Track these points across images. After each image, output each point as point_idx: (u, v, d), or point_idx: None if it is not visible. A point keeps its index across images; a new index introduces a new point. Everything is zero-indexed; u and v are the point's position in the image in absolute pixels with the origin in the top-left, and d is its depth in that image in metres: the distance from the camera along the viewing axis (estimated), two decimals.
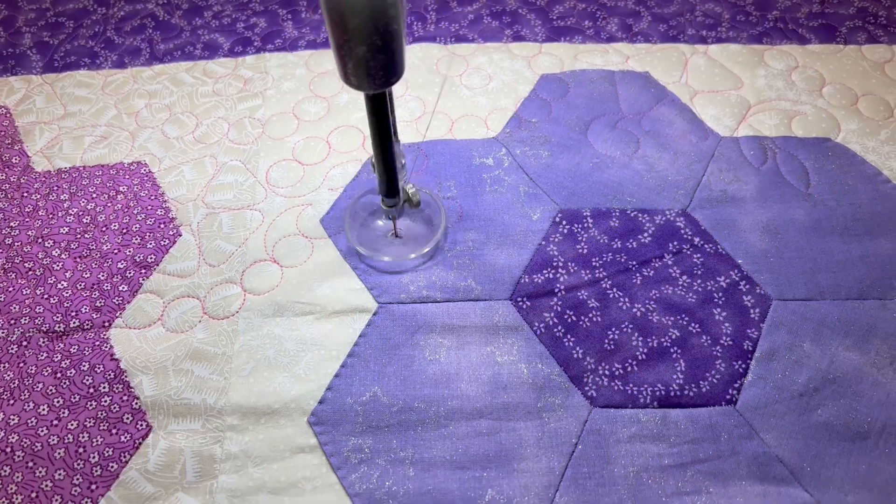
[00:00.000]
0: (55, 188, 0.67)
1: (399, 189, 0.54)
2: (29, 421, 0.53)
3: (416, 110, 0.72)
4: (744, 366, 0.55)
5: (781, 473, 0.50)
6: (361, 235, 0.61)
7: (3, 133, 0.71)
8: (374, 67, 0.40)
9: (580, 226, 0.63)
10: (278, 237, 0.62)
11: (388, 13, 0.37)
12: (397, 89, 0.74)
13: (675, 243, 0.61)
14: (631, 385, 0.54)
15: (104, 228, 0.64)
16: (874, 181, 0.66)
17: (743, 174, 0.66)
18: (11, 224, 0.64)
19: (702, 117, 0.71)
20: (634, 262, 0.60)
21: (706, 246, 0.61)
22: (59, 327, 0.58)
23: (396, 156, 0.51)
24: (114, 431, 0.53)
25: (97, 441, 0.52)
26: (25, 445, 0.52)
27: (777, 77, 0.74)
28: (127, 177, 0.68)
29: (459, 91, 0.74)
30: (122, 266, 0.61)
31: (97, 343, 0.57)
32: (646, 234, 0.62)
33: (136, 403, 0.54)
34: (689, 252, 0.61)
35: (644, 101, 0.72)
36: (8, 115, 0.73)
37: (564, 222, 0.63)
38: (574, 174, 0.66)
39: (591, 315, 0.57)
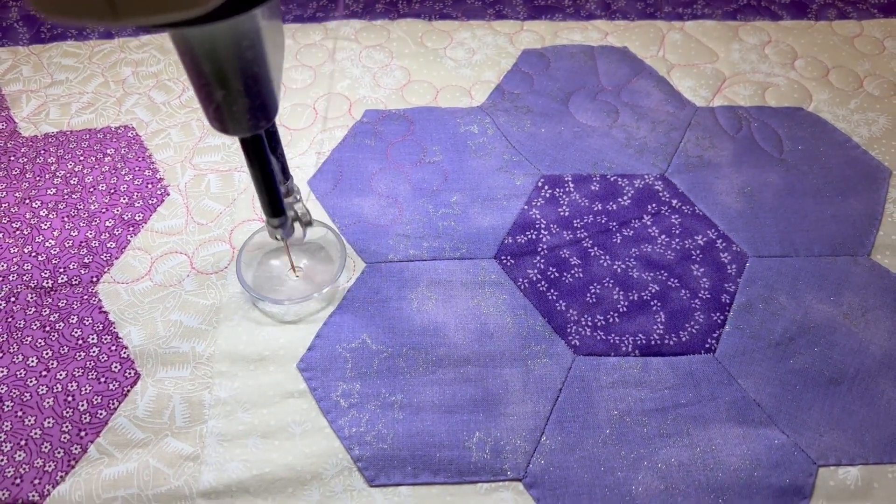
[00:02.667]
0: (42, 152, 0.67)
1: (283, 208, 0.48)
2: (18, 373, 0.54)
3: (402, 79, 0.74)
4: (722, 317, 0.57)
5: (759, 417, 0.52)
6: (256, 275, 0.57)
7: None
8: (237, 112, 0.37)
9: (562, 190, 0.64)
10: None
11: (245, 56, 0.34)
12: (381, 58, 0.76)
13: (654, 205, 0.63)
14: (613, 335, 0.55)
15: (91, 189, 0.64)
16: (845, 147, 0.68)
17: (719, 141, 0.68)
18: None
19: (679, 89, 0.73)
20: (615, 223, 0.62)
21: (684, 207, 0.63)
22: (47, 283, 0.58)
23: (287, 196, 0.48)
24: (102, 380, 0.53)
25: (86, 390, 0.53)
26: (14, 396, 0.52)
27: (751, 51, 0.77)
28: (114, 140, 0.68)
29: (444, 62, 0.75)
30: (109, 224, 0.62)
31: (85, 297, 0.57)
32: (625, 197, 0.64)
33: (125, 353, 0.54)
34: (667, 213, 0.63)
35: (623, 74, 0.74)
36: None
37: (546, 187, 0.64)
38: (556, 142, 0.68)
39: (573, 271, 0.59)
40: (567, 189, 0.64)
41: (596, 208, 0.63)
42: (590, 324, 0.56)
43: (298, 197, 0.50)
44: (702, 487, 0.49)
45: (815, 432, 0.51)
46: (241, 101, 0.36)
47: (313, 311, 0.56)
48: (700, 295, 0.58)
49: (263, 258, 0.58)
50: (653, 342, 0.55)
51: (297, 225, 0.51)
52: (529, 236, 0.61)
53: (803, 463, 0.50)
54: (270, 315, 0.55)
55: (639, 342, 0.55)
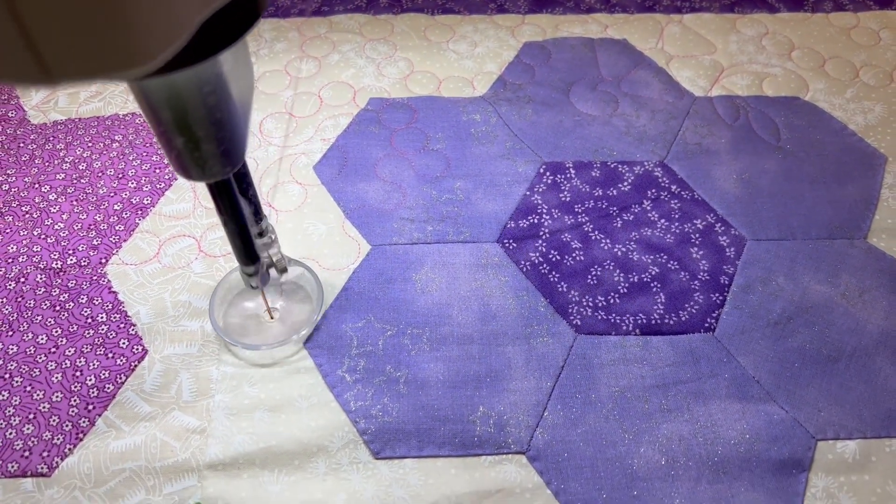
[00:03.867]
0: (51, 138, 0.68)
1: (257, 255, 0.46)
2: (27, 350, 0.54)
3: (405, 69, 0.75)
4: (721, 297, 0.58)
5: (758, 393, 0.53)
6: (228, 316, 0.54)
7: None
8: (199, 158, 0.35)
9: (563, 176, 0.65)
10: (273, 183, 0.64)
11: (206, 102, 0.31)
12: (385, 50, 0.77)
13: (654, 191, 0.64)
14: (614, 315, 0.56)
15: (100, 174, 0.65)
16: (841, 134, 0.69)
17: (717, 129, 0.69)
18: (8, 172, 0.66)
19: (677, 79, 0.74)
20: (615, 208, 0.63)
21: (683, 193, 0.64)
22: (56, 264, 0.59)
23: (262, 237, 0.46)
24: (110, 356, 0.54)
25: (94, 365, 0.53)
26: (24, 371, 0.53)
27: (748, 42, 0.78)
28: (122, 127, 0.69)
29: (446, 54, 0.77)
30: (118, 208, 0.63)
31: (95, 278, 0.58)
32: (626, 183, 0.65)
33: (133, 330, 0.55)
34: (666, 198, 0.64)
35: (622, 66, 0.76)
36: None
37: (548, 173, 0.66)
38: (557, 130, 0.69)
39: (574, 254, 0.60)
40: (568, 175, 0.65)
41: (597, 194, 0.64)
42: (591, 304, 0.57)
43: (273, 237, 0.48)
44: (702, 461, 0.49)
45: (814, 408, 0.52)
46: (203, 147, 0.34)
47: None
48: (699, 277, 0.59)
49: (236, 299, 0.56)
50: (653, 321, 0.56)
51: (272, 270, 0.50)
52: (531, 221, 0.62)
53: (802, 437, 0.51)
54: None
55: (639, 322, 0.56)
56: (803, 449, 0.50)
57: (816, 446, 0.50)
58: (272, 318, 0.54)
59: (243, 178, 0.41)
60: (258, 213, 0.44)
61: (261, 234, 0.46)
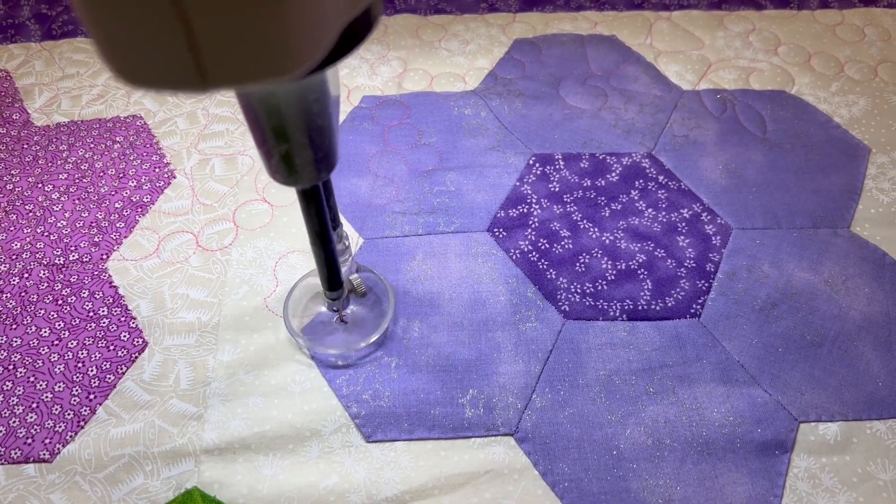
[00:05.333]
0: (54, 140, 0.70)
1: (341, 281, 0.49)
2: (31, 342, 0.56)
3: (398, 68, 0.77)
4: (706, 284, 0.59)
5: (743, 377, 0.54)
6: (304, 323, 0.56)
7: (3, 93, 0.75)
8: (300, 164, 0.36)
9: (552, 167, 0.67)
10: (268, 179, 0.66)
11: (311, 110, 0.33)
12: (378, 50, 0.79)
13: (641, 181, 0.66)
14: (601, 301, 0.58)
15: (101, 174, 0.67)
16: (826, 126, 0.70)
17: (704, 122, 0.71)
18: (12, 172, 0.68)
19: (665, 74, 0.75)
20: (603, 198, 0.64)
21: (670, 183, 0.66)
22: (58, 260, 0.61)
23: (337, 243, 0.47)
24: (111, 348, 0.55)
25: (95, 356, 0.55)
26: (27, 363, 0.55)
27: (735, 38, 0.79)
28: (123, 128, 0.71)
29: (438, 52, 0.78)
30: (118, 206, 0.65)
31: (96, 273, 0.60)
32: (614, 174, 0.66)
33: (133, 323, 0.57)
34: (653, 188, 0.65)
35: (611, 61, 0.77)
36: (8, 77, 0.76)
37: (538, 165, 0.67)
38: (547, 123, 0.71)
39: (563, 243, 0.61)
40: (557, 166, 0.67)
41: (585, 184, 0.65)
42: (579, 291, 0.58)
43: (347, 243, 0.50)
44: (687, 442, 0.51)
45: (797, 391, 0.53)
46: (304, 153, 0.35)
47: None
48: (686, 264, 0.60)
49: (310, 303, 0.57)
50: (640, 307, 0.57)
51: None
52: (521, 210, 0.63)
53: (785, 419, 0.52)
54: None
55: (626, 307, 0.57)
56: (786, 431, 0.51)
57: (799, 428, 0.51)
58: (344, 322, 0.55)
59: (325, 185, 0.42)
60: (335, 220, 0.45)
61: (337, 239, 0.48)
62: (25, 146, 0.70)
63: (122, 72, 0.23)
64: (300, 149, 0.35)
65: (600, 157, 0.67)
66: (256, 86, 0.24)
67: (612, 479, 0.49)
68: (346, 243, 0.49)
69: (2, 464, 0.50)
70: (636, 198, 0.64)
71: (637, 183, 0.65)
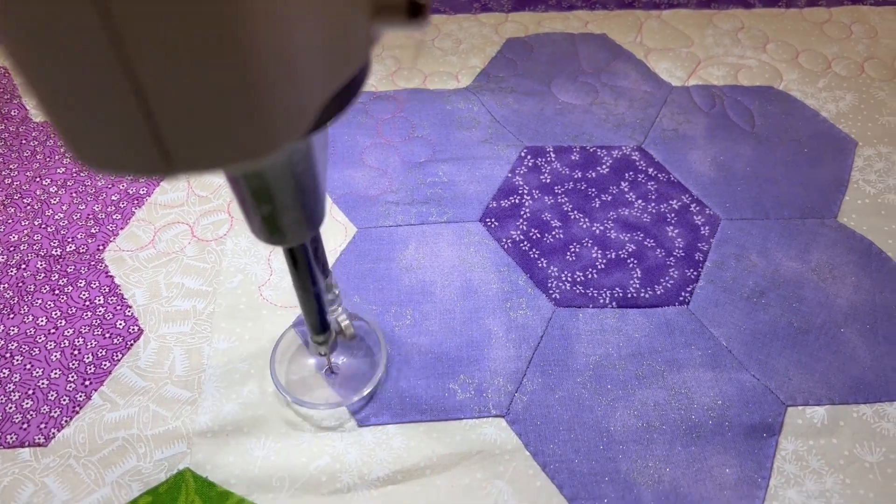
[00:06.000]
0: (52, 135, 0.71)
1: (328, 323, 0.46)
2: (28, 331, 0.57)
3: (392, 66, 0.78)
4: (695, 273, 0.60)
5: (731, 363, 0.55)
6: (290, 374, 0.53)
7: (1, 90, 0.76)
8: (286, 225, 0.34)
9: (544, 160, 0.68)
10: None
11: (296, 171, 0.30)
12: (374, 50, 0.80)
13: (631, 173, 0.67)
14: (592, 289, 0.58)
15: None
16: (813, 121, 0.72)
17: (693, 117, 0.72)
18: (11, 167, 0.68)
19: (655, 70, 0.77)
20: (594, 189, 0.65)
21: (659, 175, 0.66)
22: (56, 251, 0.62)
23: (326, 293, 0.44)
24: (107, 336, 0.56)
25: (91, 344, 0.56)
26: (24, 351, 0.55)
27: (724, 36, 0.81)
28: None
29: (432, 52, 0.79)
30: (115, 199, 0.65)
31: (92, 263, 0.61)
32: (604, 166, 0.67)
33: (129, 311, 0.57)
34: (643, 180, 0.66)
35: (602, 58, 0.78)
36: (6, 74, 0.77)
37: (529, 157, 0.68)
38: (538, 117, 0.72)
39: (554, 232, 0.62)
40: (549, 159, 0.67)
41: (576, 176, 0.66)
42: (569, 279, 0.59)
43: (337, 292, 0.46)
44: (676, 425, 0.51)
45: (784, 376, 0.54)
46: (290, 214, 0.33)
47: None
48: (675, 253, 0.61)
49: (296, 354, 0.55)
50: (629, 295, 0.58)
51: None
52: (513, 201, 0.64)
53: (773, 403, 0.52)
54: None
55: (616, 295, 0.58)
56: (774, 414, 0.52)
57: (786, 412, 0.52)
58: (334, 373, 0.53)
59: (314, 238, 0.39)
60: (325, 270, 0.43)
61: (326, 289, 0.45)
62: (24, 142, 0.71)
63: (83, 159, 0.21)
64: (285, 210, 0.32)
65: (591, 150, 0.68)
66: (227, 168, 0.22)
67: (602, 460, 0.50)
68: (336, 292, 0.46)
69: None
70: (626, 189, 0.65)
71: (627, 175, 0.66)
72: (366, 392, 0.51)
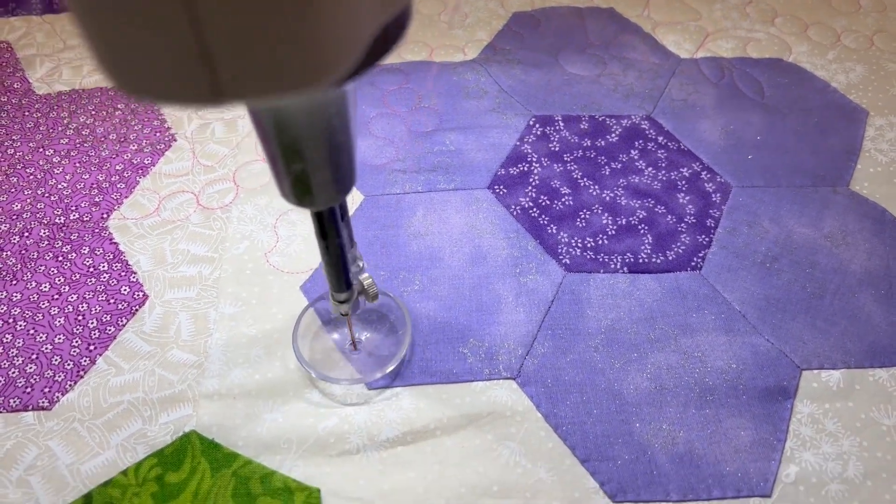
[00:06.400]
0: (55, 107, 0.70)
1: (351, 281, 0.44)
2: (31, 297, 0.56)
3: None
4: (707, 239, 0.59)
5: (745, 327, 0.54)
6: (314, 350, 0.52)
7: (3, 63, 0.75)
8: (317, 185, 0.32)
9: (552, 128, 0.67)
10: None
11: (332, 125, 0.29)
12: None
13: (641, 142, 0.66)
14: (602, 254, 0.58)
15: (102, 139, 0.67)
16: (824, 91, 0.71)
17: (702, 87, 0.71)
18: (13, 138, 0.68)
19: (663, 43, 0.76)
20: (603, 157, 0.65)
21: (669, 144, 0.66)
22: (59, 219, 0.61)
23: (350, 264, 0.43)
24: (112, 301, 0.55)
25: (96, 310, 0.55)
26: (27, 316, 0.55)
27: (732, 10, 0.80)
28: (125, 96, 0.71)
29: (438, 25, 0.79)
30: (119, 168, 0.65)
31: (96, 231, 0.60)
32: (613, 135, 0.66)
33: (134, 277, 0.57)
34: (653, 149, 0.65)
35: (610, 31, 0.78)
36: (9, 48, 0.77)
37: (538, 125, 0.67)
38: (546, 88, 0.71)
39: (563, 199, 0.61)
40: (557, 127, 0.67)
41: (585, 144, 0.65)
42: (580, 245, 0.58)
43: (362, 265, 0.45)
44: (690, 387, 0.50)
45: (799, 340, 0.53)
46: (322, 173, 0.31)
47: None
48: (686, 220, 0.60)
49: (320, 330, 0.53)
50: (640, 260, 0.57)
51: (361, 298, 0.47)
52: (521, 168, 0.63)
53: (788, 367, 0.52)
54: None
55: (627, 260, 0.57)
56: (789, 378, 0.51)
57: (801, 375, 0.51)
58: (356, 349, 0.52)
59: (341, 205, 0.38)
60: (350, 238, 0.42)
61: (351, 261, 0.44)
62: (27, 113, 0.70)
63: (121, 83, 0.20)
64: (318, 169, 0.31)
65: (600, 119, 0.68)
66: (281, 99, 0.21)
67: (615, 423, 0.49)
68: (361, 265, 0.45)
69: (0, 412, 0.49)
70: (636, 157, 0.64)
71: (637, 143, 0.66)
72: (389, 369, 0.50)
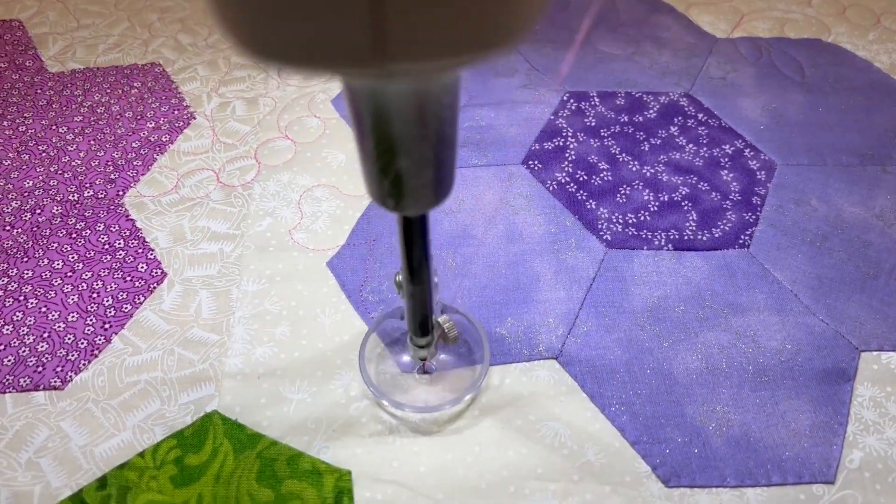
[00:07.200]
0: (69, 85, 0.68)
1: (432, 325, 0.40)
2: (43, 274, 0.53)
3: None
4: (754, 217, 0.56)
5: (798, 307, 0.51)
6: (381, 372, 0.47)
7: (15, 41, 0.73)
8: (419, 185, 0.28)
9: (588, 104, 0.64)
10: (291, 118, 0.63)
11: (443, 116, 0.25)
12: None
13: (680, 118, 0.63)
14: (645, 231, 0.55)
15: (118, 117, 0.65)
16: (867, 71, 0.68)
17: (740, 66, 0.68)
18: (25, 115, 0.65)
19: (697, 23, 0.74)
20: (642, 133, 0.62)
21: (710, 121, 0.63)
22: (72, 197, 0.58)
23: (433, 277, 0.37)
24: (128, 279, 0.52)
25: (111, 287, 0.52)
26: (39, 294, 0.52)
27: None
28: (140, 75, 0.69)
29: None
30: (136, 146, 0.62)
31: (112, 208, 0.57)
32: (651, 111, 0.64)
33: (152, 255, 0.54)
34: (693, 125, 0.63)
35: (642, 11, 0.75)
36: (21, 26, 0.75)
37: (572, 101, 0.65)
38: (579, 65, 0.68)
39: (602, 175, 0.58)
40: (593, 103, 0.64)
41: (622, 119, 0.63)
42: (621, 221, 0.55)
43: (436, 280, 0.39)
44: (743, 368, 0.47)
45: (855, 321, 0.50)
46: (426, 171, 0.27)
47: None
48: (731, 197, 0.57)
49: (388, 349, 0.48)
50: (685, 238, 0.54)
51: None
52: (557, 143, 0.60)
53: (845, 348, 0.48)
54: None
55: (671, 237, 0.54)
56: (847, 360, 0.48)
57: (861, 357, 0.48)
58: (427, 372, 0.47)
59: (423, 216, 0.34)
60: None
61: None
62: (39, 91, 0.68)
63: (251, 41, 0.16)
64: (422, 166, 0.27)
65: (637, 95, 0.65)
66: (451, 63, 0.17)
67: (665, 404, 0.46)
68: (436, 280, 0.38)
69: (9, 392, 0.46)
70: (676, 133, 0.62)
71: (676, 120, 0.63)
72: (467, 397, 0.45)
